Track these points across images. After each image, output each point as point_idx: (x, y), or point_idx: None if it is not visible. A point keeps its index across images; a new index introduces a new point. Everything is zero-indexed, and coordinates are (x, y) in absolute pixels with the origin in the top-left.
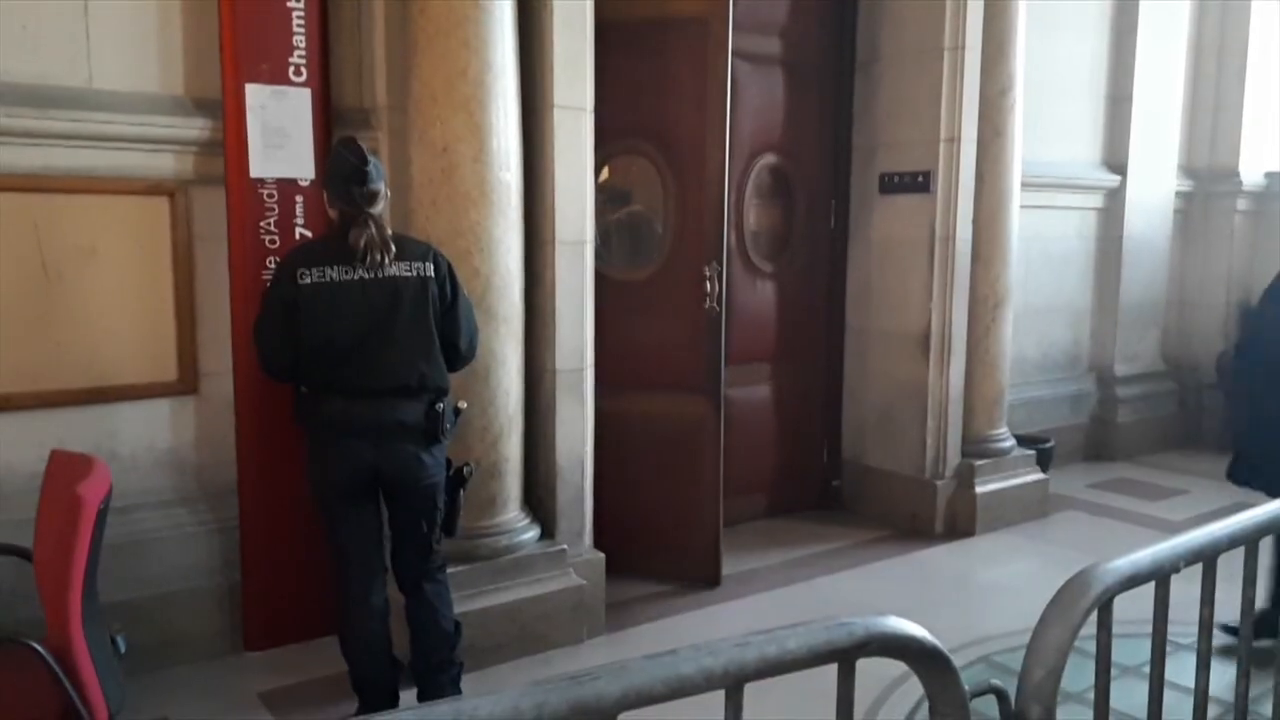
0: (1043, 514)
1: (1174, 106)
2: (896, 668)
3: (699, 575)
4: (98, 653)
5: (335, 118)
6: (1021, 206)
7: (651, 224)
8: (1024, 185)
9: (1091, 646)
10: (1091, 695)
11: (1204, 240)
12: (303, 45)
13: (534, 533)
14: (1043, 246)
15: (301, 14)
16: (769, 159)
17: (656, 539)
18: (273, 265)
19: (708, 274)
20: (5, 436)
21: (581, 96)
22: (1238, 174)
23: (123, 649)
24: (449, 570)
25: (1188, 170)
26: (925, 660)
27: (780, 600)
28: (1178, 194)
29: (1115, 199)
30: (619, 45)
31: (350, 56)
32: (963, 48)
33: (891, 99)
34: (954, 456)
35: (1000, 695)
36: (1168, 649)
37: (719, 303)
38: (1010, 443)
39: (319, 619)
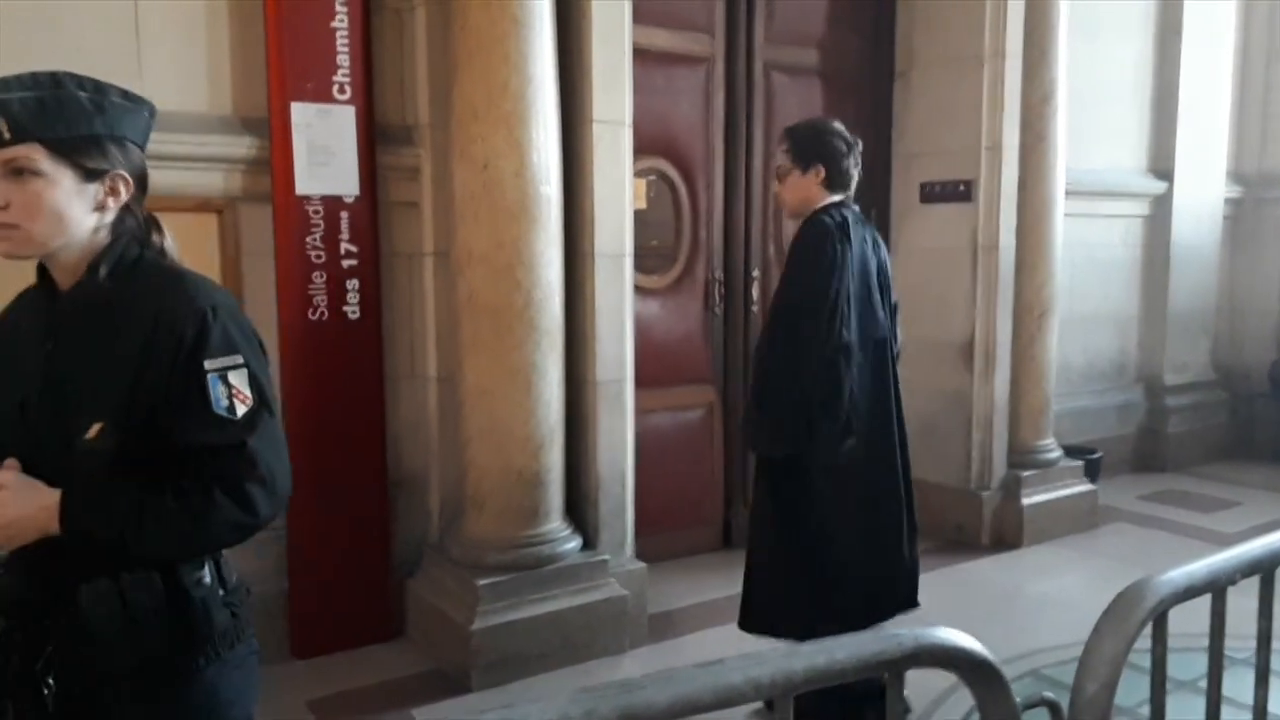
0: (1091, 526)
1: (1221, 111)
2: (944, 679)
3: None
4: None
5: (378, 135)
6: (1065, 214)
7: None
8: (1068, 192)
9: (1144, 660)
10: (1145, 709)
11: (1255, 246)
12: (346, 64)
13: (576, 542)
14: (1088, 254)
15: (345, 34)
16: None
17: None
18: (319, 280)
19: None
20: None
21: (620, 110)
22: None
23: None
24: (491, 580)
25: (1236, 175)
26: (976, 672)
27: None
28: (1227, 200)
29: (1162, 205)
30: (639, 69)
31: (393, 74)
32: (1003, 54)
33: (931, 107)
34: (1000, 467)
35: (1053, 708)
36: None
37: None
38: (1057, 453)
39: (366, 627)
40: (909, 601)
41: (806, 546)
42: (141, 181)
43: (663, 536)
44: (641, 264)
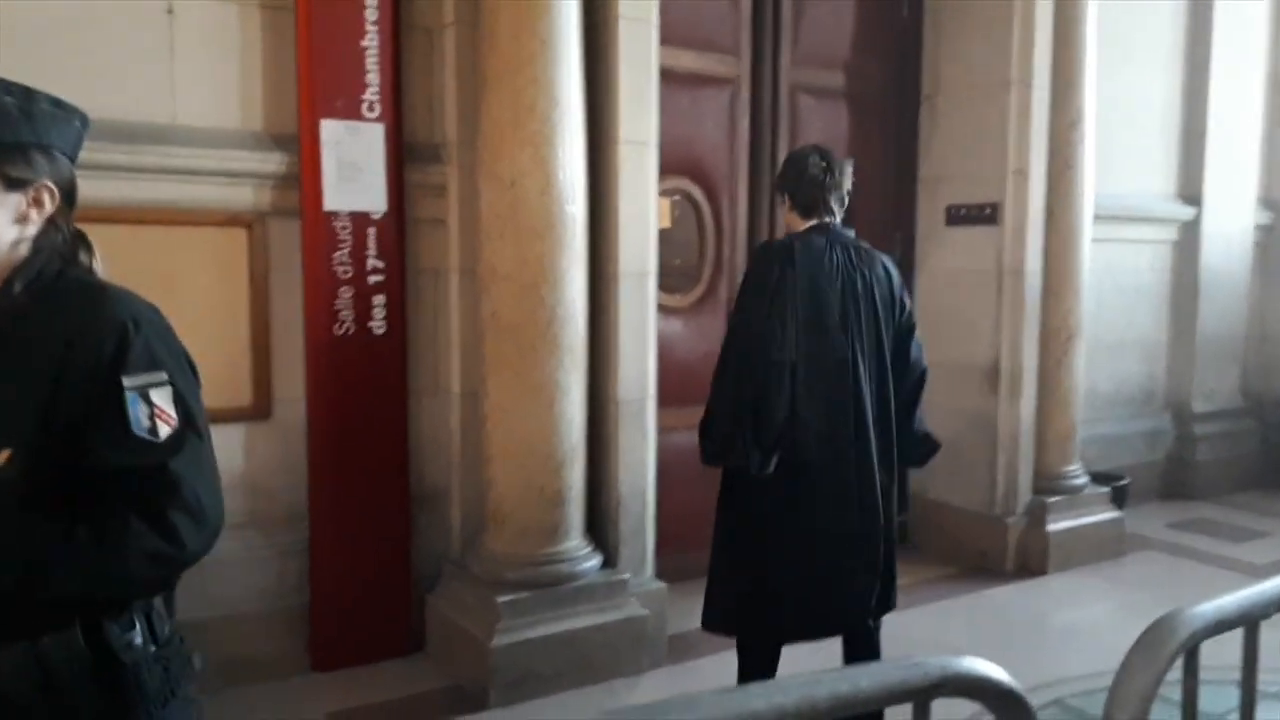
0: (1118, 554)
1: (1252, 137)
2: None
3: None
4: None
5: (406, 152)
6: (1093, 239)
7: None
8: (1096, 217)
9: (1172, 692)
10: None
11: None
12: (376, 82)
13: (596, 561)
14: (1115, 280)
15: (375, 53)
16: None
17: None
18: (345, 295)
19: None
20: None
21: (646, 131)
22: None
23: (199, 666)
24: (511, 597)
25: (1267, 202)
26: (1002, 702)
27: None
28: (1257, 226)
29: (1190, 232)
30: (665, 90)
31: (421, 93)
32: (1030, 82)
33: (957, 132)
34: (1025, 493)
35: None
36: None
37: None
38: (1084, 479)
39: (385, 641)
40: (859, 621)
41: (741, 556)
42: (70, 194)
43: (683, 556)
44: (664, 283)
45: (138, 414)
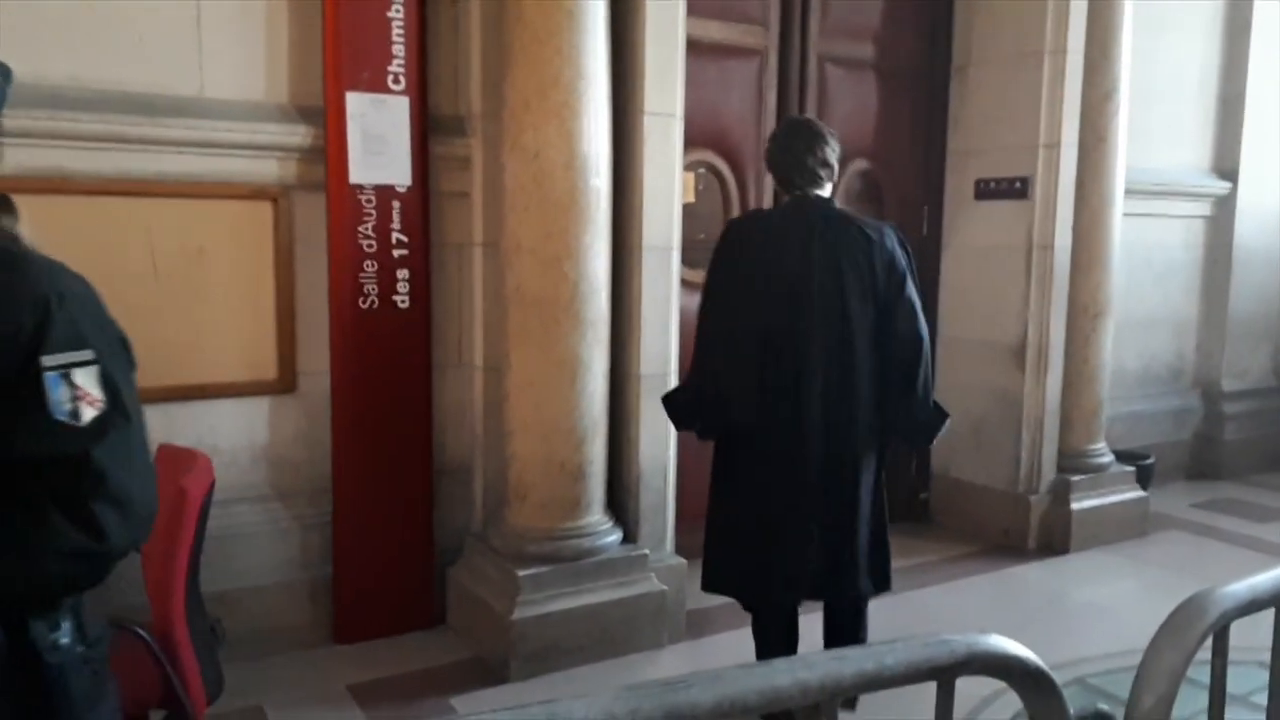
0: (1142, 533)
1: None
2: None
3: None
4: (198, 640)
5: (431, 125)
6: (1124, 214)
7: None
8: (1127, 191)
9: (1195, 672)
10: None
11: None
12: (401, 55)
13: (616, 536)
14: (1146, 256)
15: (401, 25)
16: (860, 164)
17: None
18: (370, 269)
19: None
20: None
21: (671, 103)
22: None
23: (220, 636)
24: (532, 571)
25: None
26: (1029, 682)
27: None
28: None
29: (1225, 207)
30: (691, 62)
31: (446, 65)
32: (1064, 51)
33: (988, 104)
34: (1049, 471)
35: None
36: None
37: None
38: (1109, 458)
39: (407, 614)
40: (819, 594)
41: (714, 514)
42: None
43: (703, 532)
44: (688, 258)
45: (58, 397)
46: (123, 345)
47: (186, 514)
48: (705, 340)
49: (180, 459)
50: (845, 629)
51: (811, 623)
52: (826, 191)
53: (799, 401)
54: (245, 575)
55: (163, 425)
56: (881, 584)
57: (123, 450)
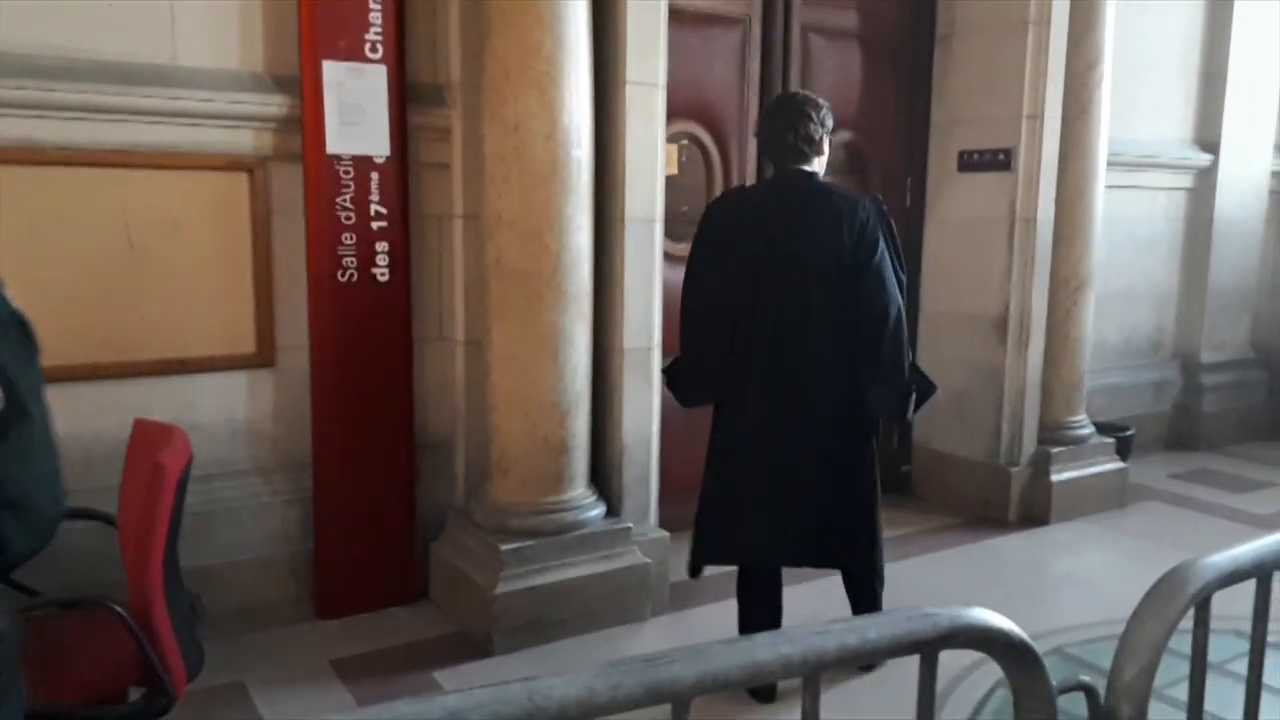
0: (1121, 504)
1: (1272, 82)
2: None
3: None
4: (177, 617)
5: (410, 95)
6: (1106, 186)
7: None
8: (1109, 163)
9: (1175, 642)
10: (1173, 692)
11: None
12: (379, 22)
13: (600, 510)
14: (1127, 228)
15: None
16: (844, 135)
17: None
18: (349, 241)
19: None
20: (93, 404)
21: (654, 73)
22: None
23: (200, 613)
24: (515, 545)
25: None
26: (1011, 655)
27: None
28: (1274, 174)
29: (1206, 179)
30: (674, 30)
31: (425, 34)
32: (1049, 20)
33: (972, 74)
34: (1030, 443)
35: (1090, 692)
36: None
37: None
38: (1089, 430)
39: (389, 589)
40: (789, 561)
41: (706, 473)
42: None
43: (687, 505)
44: (671, 230)
45: None
46: (20, 327)
47: (164, 490)
48: (683, 313)
49: (157, 435)
50: (854, 604)
51: (806, 594)
52: (812, 166)
53: (761, 372)
54: (226, 551)
55: (143, 400)
56: (865, 565)
57: (20, 450)
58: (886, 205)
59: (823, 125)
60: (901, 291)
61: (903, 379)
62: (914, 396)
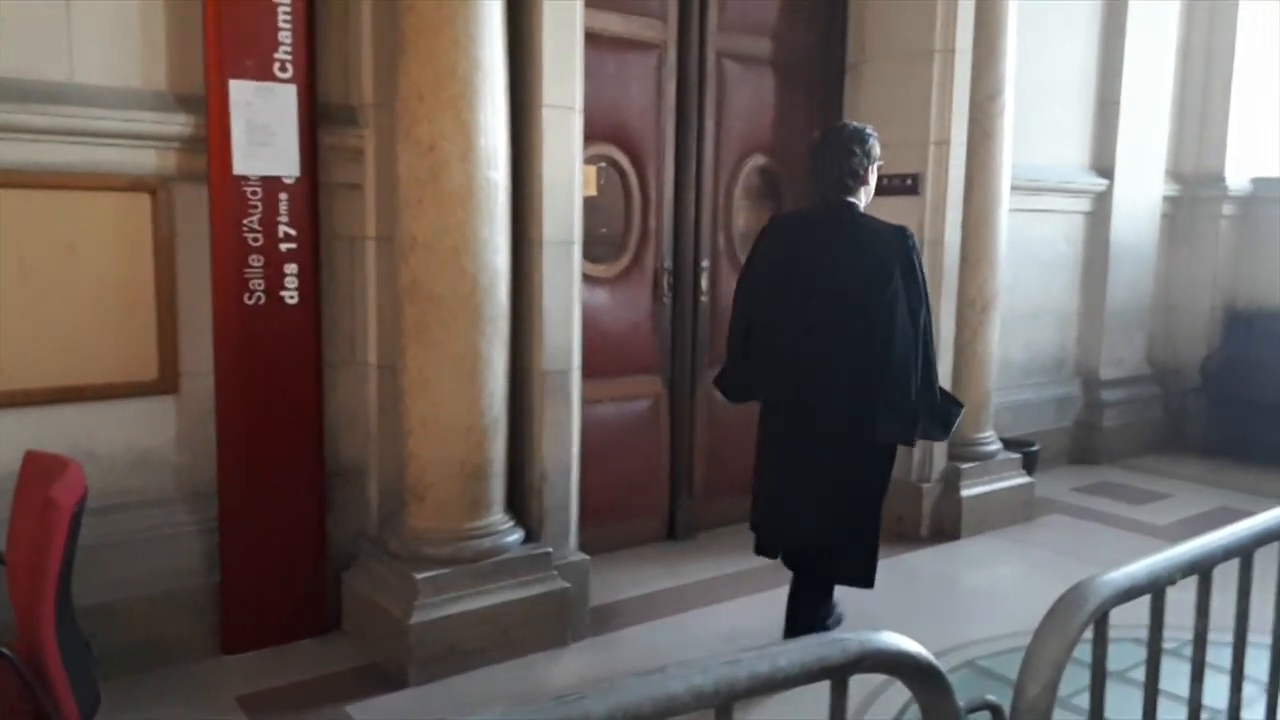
0: (1027, 518)
1: (1162, 111)
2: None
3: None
4: (70, 657)
5: (321, 115)
6: (1010, 210)
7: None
8: (1012, 188)
9: (1079, 653)
10: (1077, 700)
11: (1189, 245)
12: (289, 41)
13: (518, 535)
14: (1030, 250)
15: (288, 9)
16: (758, 160)
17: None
18: (256, 263)
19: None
20: None
21: (571, 96)
22: (1224, 179)
23: (93, 651)
24: (430, 574)
25: (1175, 175)
26: (920, 677)
27: (765, 602)
28: (1165, 198)
29: (1103, 203)
30: (590, 54)
31: (337, 53)
32: (953, 50)
33: (881, 101)
34: (940, 459)
35: (995, 711)
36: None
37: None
38: (996, 446)
39: (299, 621)
40: (802, 541)
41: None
42: None
43: (607, 528)
44: (590, 252)
45: None
46: None
47: (56, 526)
48: (730, 325)
49: (49, 467)
50: (802, 596)
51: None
52: (854, 197)
53: (782, 385)
54: (127, 586)
55: (35, 430)
56: (856, 575)
57: None
58: (914, 239)
59: (868, 157)
60: (917, 324)
61: (907, 407)
62: (919, 424)
